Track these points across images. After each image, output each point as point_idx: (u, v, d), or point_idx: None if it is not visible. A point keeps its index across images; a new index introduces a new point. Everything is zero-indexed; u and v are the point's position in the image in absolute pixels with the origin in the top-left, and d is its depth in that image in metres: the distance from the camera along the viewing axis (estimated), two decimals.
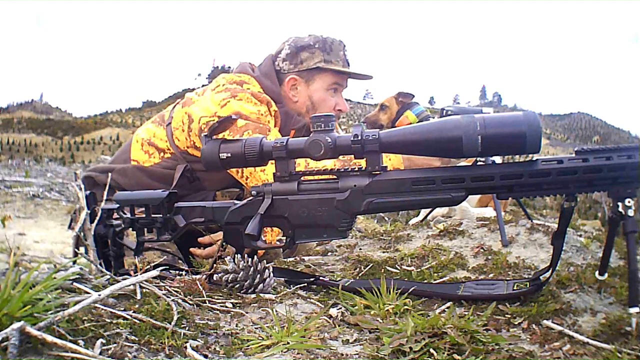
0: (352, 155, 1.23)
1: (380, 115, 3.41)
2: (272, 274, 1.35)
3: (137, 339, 0.95)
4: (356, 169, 1.25)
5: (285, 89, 1.95)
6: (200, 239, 1.87)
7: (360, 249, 1.87)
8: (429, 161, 1.74)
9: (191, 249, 1.86)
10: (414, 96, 3.30)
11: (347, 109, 2.02)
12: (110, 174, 1.91)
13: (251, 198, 1.33)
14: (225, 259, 1.36)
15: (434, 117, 3.10)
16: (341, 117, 2.12)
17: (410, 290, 1.31)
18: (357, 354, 0.97)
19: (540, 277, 1.28)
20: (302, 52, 1.93)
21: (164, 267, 1.47)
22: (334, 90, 1.98)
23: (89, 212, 1.35)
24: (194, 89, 2.36)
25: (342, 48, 1.98)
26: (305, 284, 1.42)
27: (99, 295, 0.99)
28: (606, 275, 1.28)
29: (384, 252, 1.77)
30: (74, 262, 1.26)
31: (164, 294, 1.16)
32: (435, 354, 0.92)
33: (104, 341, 0.90)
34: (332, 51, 1.94)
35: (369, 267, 1.60)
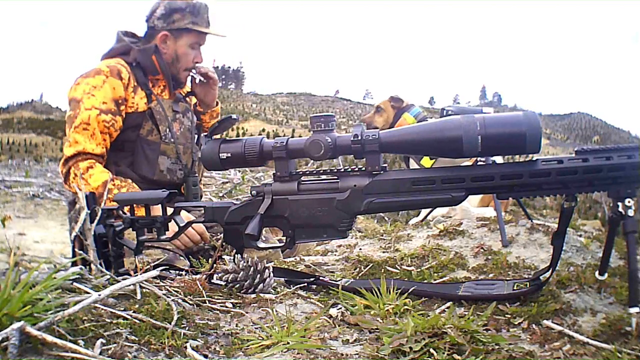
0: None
1: (375, 118, 3.42)
2: (272, 274, 1.35)
3: (137, 339, 0.95)
4: (356, 169, 1.25)
5: (157, 42, 2.23)
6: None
7: (360, 249, 1.87)
8: None
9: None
10: (403, 101, 3.32)
11: (203, 60, 2.30)
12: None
13: (251, 198, 1.33)
14: (225, 258, 1.36)
15: (431, 117, 3.11)
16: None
17: (410, 290, 1.31)
18: (357, 354, 0.97)
19: (540, 277, 1.28)
20: (175, 14, 2.20)
21: (164, 267, 1.47)
22: (194, 47, 2.26)
23: (89, 212, 1.35)
24: None
25: (207, 11, 2.25)
26: (305, 284, 1.42)
27: (99, 295, 0.99)
28: (606, 275, 1.28)
29: (384, 252, 1.77)
30: (74, 263, 1.26)
31: (164, 294, 1.16)
32: (435, 354, 0.92)
33: (104, 341, 0.90)
34: (199, 15, 2.22)
35: (369, 267, 1.61)
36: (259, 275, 1.31)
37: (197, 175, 2.26)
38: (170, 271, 1.47)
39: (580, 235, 1.74)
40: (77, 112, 2.02)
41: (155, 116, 2.13)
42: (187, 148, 2.22)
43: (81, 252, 1.33)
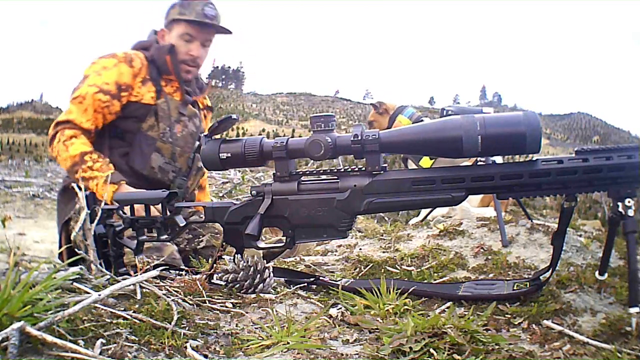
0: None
1: None
2: (272, 274, 1.35)
3: (137, 339, 0.95)
4: (356, 169, 1.25)
5: (160, 40, 2.32)
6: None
7: (360, 249, 1.87)
8: None
9: None
10: (380, 106, 3.31)
11: (200, 54, 2.30)
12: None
13: (251, 198, 1.33)
14: (225, 258, 1.36)
15: (426, 117, 3.11)
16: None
17: (410, 290, 1.31)
18: (357, 354, 0.97)
19: (540, 277, 1.28)
20: (171, 10, 2.30)
21: (164, 267, 1.47)
22: (188, 40, 2.28)
23: (89, 212, 1.35)
24: None
25: (202, 5, 2.26)
26: (305, 284, 1.42)
27: (99, 295, 0.99)
28: (606, 275, 1.28)
29: (384, 252, 1.77)
30: (74, 263, 1.26)
31: (164, 294, 1.16)
32: (435, 354, 0.92)
33: (104, 341, 0.90)
34: (189, 6, 2.25)
35: (369, 267, 1.60)
36: (259, 275, 1.31)
37: (185, 178, 2.23)
38: (170, 271, 1.47)
39: (580, 235, 1.74)
40: (80, 85, 2.13)
41: (158, 113, 2.16)
42: (184, 151, 2.22)
43: (81, 252, 1.33)
